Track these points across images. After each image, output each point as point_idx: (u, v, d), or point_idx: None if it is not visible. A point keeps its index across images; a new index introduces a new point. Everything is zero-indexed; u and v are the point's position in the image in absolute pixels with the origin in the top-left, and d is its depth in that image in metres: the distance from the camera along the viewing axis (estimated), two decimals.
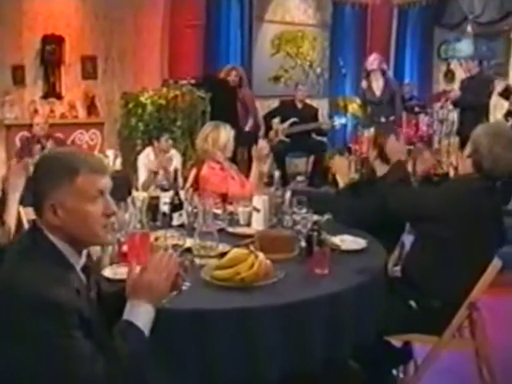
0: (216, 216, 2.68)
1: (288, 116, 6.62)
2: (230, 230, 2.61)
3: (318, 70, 8.27)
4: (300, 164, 7.36)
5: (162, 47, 6.69)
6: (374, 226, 2.48)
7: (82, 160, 1.46)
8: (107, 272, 2.02)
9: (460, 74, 7.48)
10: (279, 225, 2.64)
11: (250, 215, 2.69)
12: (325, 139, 7.08)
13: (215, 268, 1.98)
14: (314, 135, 6.89)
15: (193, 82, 6.07)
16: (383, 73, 6.33)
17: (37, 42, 6.35)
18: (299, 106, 6.92)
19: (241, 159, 5.83)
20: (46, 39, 6.37)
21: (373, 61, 6.27)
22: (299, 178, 7.06)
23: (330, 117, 7.43)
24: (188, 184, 3.42)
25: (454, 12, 7.88)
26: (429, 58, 8.44)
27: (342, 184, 2.85)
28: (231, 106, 6.19)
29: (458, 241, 2.23)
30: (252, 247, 2.06)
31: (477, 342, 2.37)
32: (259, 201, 2.63)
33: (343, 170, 2.87)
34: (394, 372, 2.62)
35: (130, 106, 5.73)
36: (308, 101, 7.12)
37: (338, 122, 6.91)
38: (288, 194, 2.76)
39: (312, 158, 6.91)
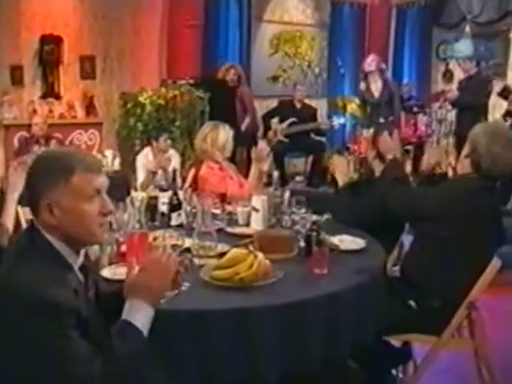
0: (215, 216, 2.68)
1: (287, 116, 6.62)
2: (229, 230, 2.60)
3: (317, 70, 8.27)
4: (299, 164, 7.37)
5: (161, 47, 6.68)
6: (373, 225, 2.48)
7: (78, 159, 1.46)
8: (106, 272, 2.01)
9: (458, 74, 7.48)
10: (278, 225, 2.63)
11: (248, 215, 2.68)
12: (323, 139, 7.08)
13: (214, 268, 1.97)
14: (312, 135, 6.89)
15: (191, 82, 6.06)
16: (382, 73, 6.33)
17: (35, 42, 6.34)
18: (298, 105, 6.92)
19: (240, 159, 5.83)
20: (45, 39, 6.36)
21: (370, 62, 6.27)
22: (298, 178, 7.07)
23: (329, 117, 7.44)
24: (187, 184, 3.42)
25: (452, 12, 7.89)
26: (427, 58, 8.45)
27: (341, 183, 2.84)
28: (230, 106, 6.19)
29: (457, 241, 2.23)
30: (251, 247, 2.05)
31: (476, 342, 2.37)
32: (258, 201, 2.62)
33: (342, 170, 2.87)
34: (394, 372, 2.62)
35: (129, 106, 5.72)
36: (307, 101, 7.12)
37: (337, 121, 6.92)
38: (287, 194, 2.76)
39: (311, 158, 6.92)
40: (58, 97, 6.60)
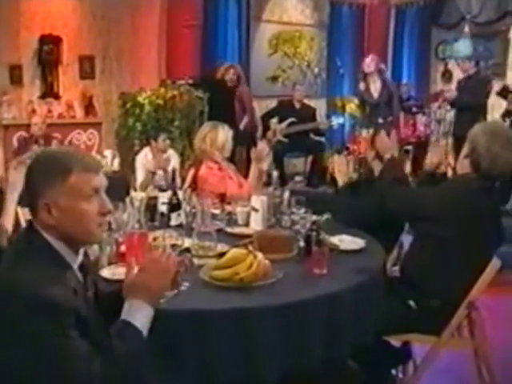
0: (214, 216, 2.68)
1: (286, 116, 6.62)
2: (229, 230, 2.60)
3: (316, 70, 8.27)
4: (298, 164, 7.37)
5: (160, 47, 6.69)
6: (372, 225, 2.48)
7: (75, 159, 1.46)
8: (105, 272, 2.01)
9: (457, 74, 7.47)
10: (278, 225, 2.63)
11: (248, 215, 2.68)
12: (323, 139, 7.08)
13: (214, 268, 1.97)
14: (311, 135, 6.89)
15: (190, 82, 6.06)
16: (381, 73, 6.32)
17: (34, 42, 6.34)
18: (297, 106, 6.92)
19: (239, 159, 5.82)
20: (44, 39, 6.36)
21: (369, 63, 6.26)
22: (297, 178, 7.07)
23: (328, 117, 7.44)
24: (186, 184, 3.41)
25: (451, 12, 7.89)
26: (426, 58, 8.45)
27: (340, 183, 2.84)
28: (229, 106, 6.18)
29: (456, 241, 2.23)
30: (250, 247, 2.05)
31: (476, 342, 2.37)
32: (258, 201, 2.62)
33: (342, 169, 2.87)
34: (393, 372, 2.62)
35: (128, 106, 5.72)
36: (306, 101, 7.11)
37: (336, 121, 6.91)
38: (286, 194, 2.75)
39: (310, 158, 6.92)
40: (57, 97, 6.60)
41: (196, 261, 2.10)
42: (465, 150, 2.35)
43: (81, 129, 6.64)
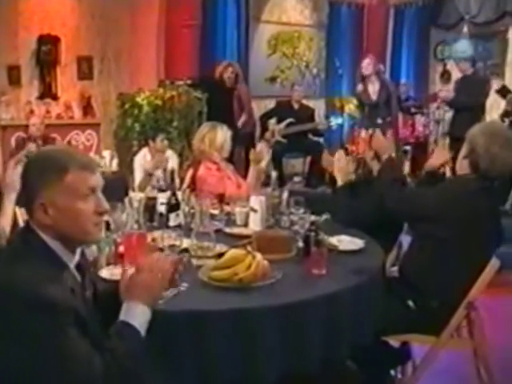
0: (213, 216, 2.67)
1: (284, 116, 6.62)
2: (227, 230, 2.60)
3: (315, 71, 8.28)
4: (297, 164, 7.36)
5: (159, 47, 6.68)
6: (371, 225, 2.48)
7: (71, 158, 1.45)
8: (104, 273, 2.01)
9: (456, 75, 7.48)
10: (276, 225, 2.63)
11: (247, 216, 2.68)
12: (321, 140, 7.08)
13: (213, 269, 1.97)
14: (310, 136, 6.89)
15: (189, 82, 6.06)
16: (379, 75, 6.32)
17: (32, 42, 6.34)
18: (296, 106, 6.92)
19: (238, 159, 5.82)
20: (42, 39, 6.35)
21: (367, 66, 6.23)
22: (296, 179, 7.07)
23: (327, 117, 7.44)
24: (185, 185, 3.41)
25: (450, 12, 7.89)
26: (425, 59, 8.45)
27: (340, 182, 2.84)
28: (228, 107, 6.18)
29: (455, 241, 2.23)
30: (249, 248, 2.05)
31: (475, 342, 2.37)
32: (256, 201, 2.62)
33: (343, 167, 2.86)
34: (392, 372, 2.61)
35: (126, 106, 5.71)
36: (304, 101, 7.12)
37: (335, 122, 6.92)
38: (285, 195, 2.75)
39: (309, 159, 6.92)
40: (55, 97, 6.59)
41: (195, 261, 2.10)
42: (464, 151, 2.35)
43: (79, 129, 6.64)
